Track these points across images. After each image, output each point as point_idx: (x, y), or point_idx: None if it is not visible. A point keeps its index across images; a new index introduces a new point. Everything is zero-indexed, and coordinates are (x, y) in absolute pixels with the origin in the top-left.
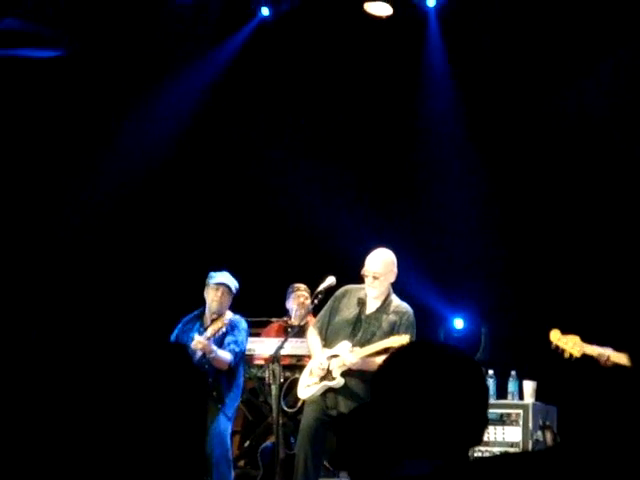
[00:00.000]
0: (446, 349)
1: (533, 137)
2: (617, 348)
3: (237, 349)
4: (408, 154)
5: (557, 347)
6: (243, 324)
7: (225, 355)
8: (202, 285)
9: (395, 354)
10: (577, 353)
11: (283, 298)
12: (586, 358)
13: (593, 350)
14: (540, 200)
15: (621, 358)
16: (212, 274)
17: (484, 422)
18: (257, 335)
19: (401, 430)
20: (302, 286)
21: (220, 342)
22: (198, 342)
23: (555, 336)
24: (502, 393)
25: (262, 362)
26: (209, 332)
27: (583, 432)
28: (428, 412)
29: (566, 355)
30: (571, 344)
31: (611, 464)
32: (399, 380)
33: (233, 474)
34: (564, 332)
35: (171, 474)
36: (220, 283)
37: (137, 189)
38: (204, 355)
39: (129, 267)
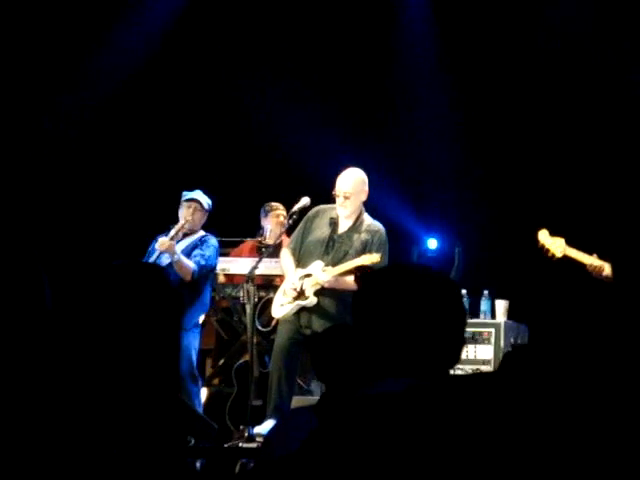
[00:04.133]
0: (426, 270)
1: (507, 56)
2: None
3: (203, 262)
4: (382, 75)
5: (542, 246)
6: (213, 241)
7: (189, 263)
8: (175, 205)
9: (375, 274)
10: (559, 254)
11: (255, 218)
12: (567, 260)
13: (577, 255)
14: (516, 117)
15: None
16: (185, 193)
17: (461, 342)
18: (227, 255)
19: (380, 349)
20: (277, 206)
21: (188, 255)
22: (162, 243)
23: (543, 235)
24: (475, 312)
25: (236, 282)
26: (172, 232)
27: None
28: (407, 332)
29: (549, 255)
30: (555, 245)
31: (580, 380)
32: (380, 300)
33: (202, 390)
34: (551, 234)
35: (146, 392)
36: (192, 199)
37: (108, 109)
38: (170, 264)
39: (102, 188)
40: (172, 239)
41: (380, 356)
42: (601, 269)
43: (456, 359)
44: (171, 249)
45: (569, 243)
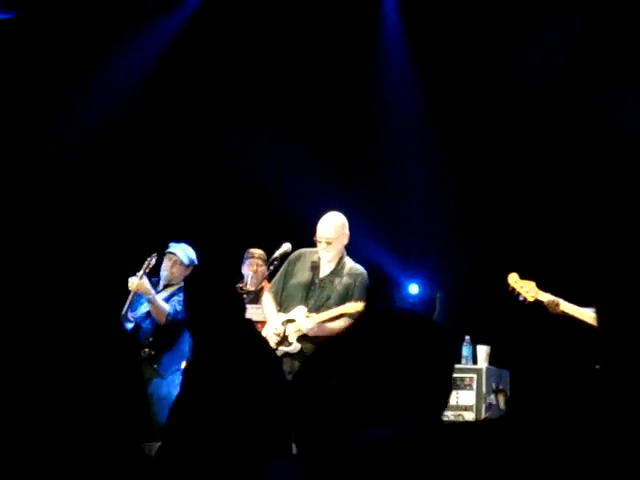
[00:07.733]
0: (412, 315)
1: (490, 101)
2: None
3: (179, 307)
4: (364, 119)
5: (513, 290)
6: None
7: (164, 305)
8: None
9: (361, 319)
10: (530, 298)
11: (239, 263)
12: (538, 304)
13: (545, 297)
14: (499, 165)
15: (570, 309)
16: (170, 244)
17: (448, 387)
18: None
19: (364, 398)
20: (257, 252)
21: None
22: (132, 282)
23: (512, 279)
24: (456, 358)
25: None
26: (140, 272)
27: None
28: (392, 380)
29: (520, 299)
30: (526, 289)
31: (566, 425)
32: (364, 346)
33: None
34: (522, 278)
35: (109, 440)
36: (171, 253)
37: (89, 157)
38: (148, 313)
39: (80, 238)
40: (141, 278)
41: (365, 404)
42: (556, 305)
43: (444, 405)
44: (142, 288)
45: (543, 287)
